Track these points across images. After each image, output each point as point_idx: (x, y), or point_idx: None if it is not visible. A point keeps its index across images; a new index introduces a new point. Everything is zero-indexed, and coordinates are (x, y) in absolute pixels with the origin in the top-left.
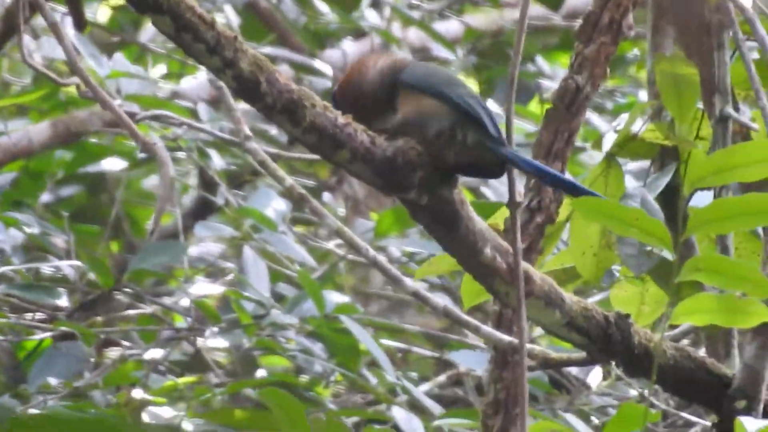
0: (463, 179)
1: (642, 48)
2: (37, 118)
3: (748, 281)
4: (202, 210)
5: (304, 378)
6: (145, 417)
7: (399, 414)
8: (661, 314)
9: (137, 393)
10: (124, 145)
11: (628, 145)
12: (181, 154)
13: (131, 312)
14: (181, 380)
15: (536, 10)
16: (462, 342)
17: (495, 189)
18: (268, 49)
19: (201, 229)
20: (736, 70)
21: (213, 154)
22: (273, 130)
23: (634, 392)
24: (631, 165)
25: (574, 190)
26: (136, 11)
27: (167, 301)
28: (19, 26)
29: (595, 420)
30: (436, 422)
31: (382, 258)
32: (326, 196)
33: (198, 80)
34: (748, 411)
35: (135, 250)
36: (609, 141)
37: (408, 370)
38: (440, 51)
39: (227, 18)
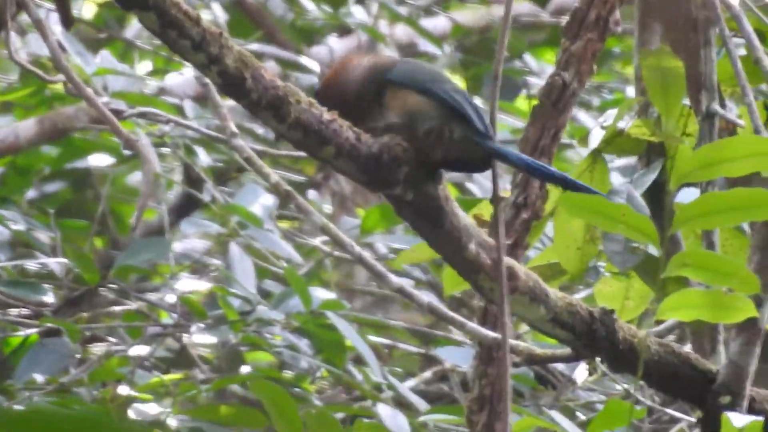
0: (448, 175)
1: (629, 44)
2: (23, 115)
3: (734, 277)
4: (187, 206)
5: (289, 374)
6: (131, 413)
7: (384, 410)
8: (645, 310)
9: (123, 389)
10: (111, 141)
11: (615, 141)
12: (166, 151)
13: (116, 308)
14: (167, 377)
15: (524, 6)
16: (447, 338)
17: (480, 184)
18: (255, 46)
19: (187, 225)
20: (723, 67)
21: (199, 150)
22: (260, 128)
23: (619, 388)
24: (618, 161)
25: (565, 183)
26: (121, 8)
27: (153, 297)
28: (5, 23)
29: (581, 416)
30: (422, 418)
31: (367, 254)
32: (312, 192)
33: (184, 77)
34: (733, 407)
35: (119, 247)
36: (595, 137)
37: (393, 366)
38: (427, 47)
39: (214, 14)
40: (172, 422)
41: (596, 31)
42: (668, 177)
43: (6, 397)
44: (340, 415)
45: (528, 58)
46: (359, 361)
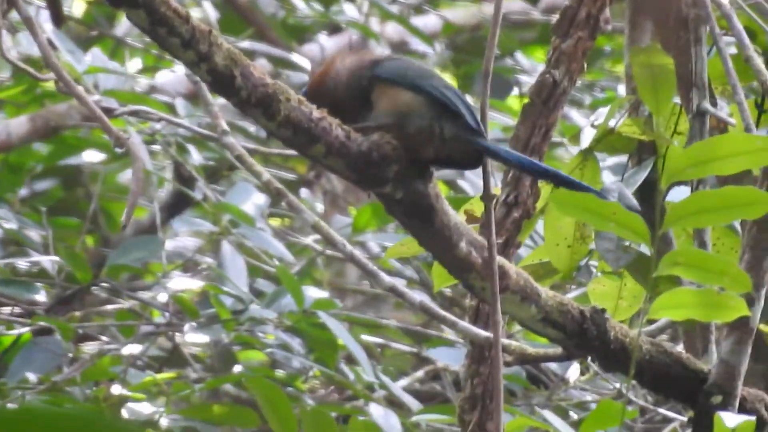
0: (440, 172)
1: (620, 43)
2: (14, 113)
3: (726, 275)
4: (178, 204)
5: (281, 373)
6: (124, 413)
7: (376, 410)
8: (638, 309)
9: (116, 389)
10: (102, 138)
11: (606, 139)
12: (157, 149)
13: (109, 307)
14: (160, 376)
15: (515, 5)
16: (440, 337)
17: (472, 182)
18: (247, 44)
19: (179, 223)
20: (714, 65)
21: (191, 149)
22: (252, 126)
23: (612, 388)
24: (609, 160)
25: (557, 179)
26: (111, 5)
27: (144, 295)
28: None
29: (573, 416)
30: (414, 418)
31: (359, 253)
32: (304, 191)
33: (176, 74)
34: (724, 406)
35: (110, 245)
36: (586, 136)
37: (386, 365)
38: (418, 45)
39: (206, 12)
40: (165, 422)
41: (586, 30)
42: (659, 175)
43: None
44: (332, 415)
45: (519, 56)
46: (351, 360)
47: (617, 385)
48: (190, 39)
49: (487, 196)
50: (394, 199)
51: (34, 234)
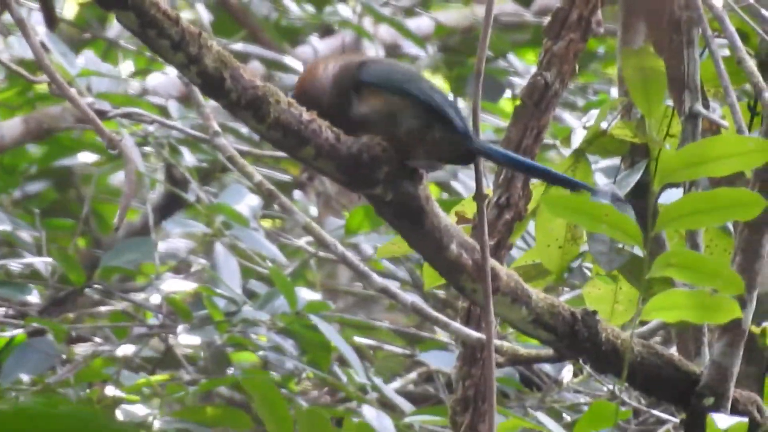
0: (432, 174)
1: (612, 45)
2: (5, 114)
3: (718, 277)
4: (170, 206)
5: (275, 375)
6: (118, 414)
7: (369, 412)
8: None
9: (109, 390)
10: (95, 140)
11: (598, 141)
12: (149, 150)
13: (102, 309)
14: (153, 378)
15: (508, 6)
16: (432, 339)
17: (465, 184)
18: (239, 46)
19: (171, 225)
20: (707, 67)
21: (183, 150)
22: (244, 128)
23: (606, 389)
24: (602, 162)
25: (548, 177)
26: (101, 7)
27: (137, 297)
28: None
29: (567, 418)
30: (406, 419)
31: (351, 255)
32: (297, 192)
33: (168, 77)
34: (716, 408)
35: (102, 246)
36: (578, 137)
37: (378, 367)
38: (411, 48)
39: (198, 14)
40: (158, 423)
41: (578, 32)
42: (651, 177)
43: None
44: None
45: (512, 58)
46: (344, 362)
47: (610, 387)
48: (180, 41)
49: (479, 197)
50: (384, 201)
51: (26, 235)
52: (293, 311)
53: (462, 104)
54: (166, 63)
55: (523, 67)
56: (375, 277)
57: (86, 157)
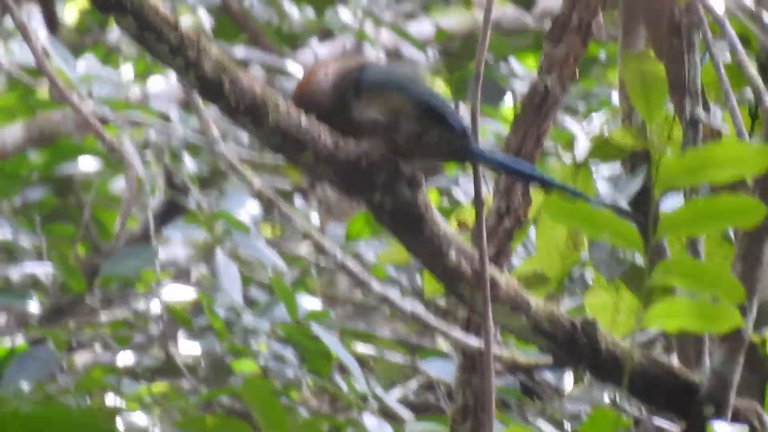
0: (434, 180)
1: (613, 50)
2: (5, 119)
3: (719, 285)
4: (170, 213)
5: (275, 383)
6: (119, 423)
7: (370, 421)
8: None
9: (109, 399)
10: (96, 146)
11: (600, 147)
12: (150, 156)
13: (102, 317)
14: (154, 386)
15: (509, 11)
16: (433, 348)
17: (465, 191)
18: (240, 51)
19: (172, 231)
20: (708, 72)
21: (183, 156)
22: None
23: (608, 399)
24: (602, 168)
25: (543, 183)
26: (99, 12)
27: (138, 305)
28: None
29: (567, 427)
30: (407, 428)
31: (352, 262)
32: (299, 200)
33: (169, 83)
34: (717, 417)
35: (101, 254)
36: (581, 146)
37: (379, 376)
38: (412, 52)
39: (200, 19)
40: None
41: (578, 36)
42: (652, 183)
43: None
44: (325, 426)
45: (513, 62)
46: (345, 370)
47: (611, 396)
48: (179, 45)
49: (477, 203)
50: (383, 208)
51: (27, 242)
52: (293, 320)
53: (463, 109)
54: (165, 67)
55: (524, 71)
56: (374, 284)
57: (87, 163)
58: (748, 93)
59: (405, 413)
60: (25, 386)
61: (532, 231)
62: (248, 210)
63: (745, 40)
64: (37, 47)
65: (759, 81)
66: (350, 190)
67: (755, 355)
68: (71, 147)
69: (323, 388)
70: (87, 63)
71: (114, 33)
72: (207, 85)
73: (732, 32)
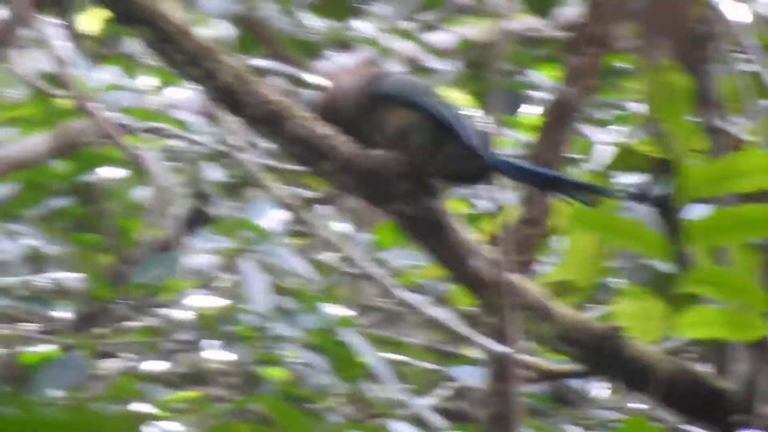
0: (457, 190)
1: (634, 60)
2: (28, 129)
3: (746, 293)
4: (195, 221)
5: (305, 390)
6: (149, 430)
7: (400, 428)
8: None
9: (139, 406)
10: (119, 155)
11: (623, 157)
12: (174, 165)
13: (132, 324)
14: (183, 394)
15: (531, 21)
16: (463, 355)
17: (491, 199)
18: (259, 62)
19: (198, 240)
20: (728, 82)
21: (209, 166)
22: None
23: (640, 407)
24: (628, 177)
25: (565, 185)
26: (118, 23)
27: (165, 313)
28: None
29: None
30: None
31: (379, 270)
32: (325, 208)
33: (192, 91)
34: (747, 425)
35: (126, 262)
36: (603, 155)
37: (409, 383)
38: (432, 62)
39: (221, 30)
40: None
41: (599, 46)
42: (678, 192)
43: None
44: None
45: (533, 72)
46: (375, 377)
47: (643, 405)
48: (196, 56)
49: (498, 210)
50: (405, 216)
51: (53, 250)
52: (322, 327)
53: (484, 118)
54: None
55: (543, 81)
56: (400, 291)
57: (110, 173)
58: None
59: (435, 420)
60: (55, 393)
61: (558, 239)
62: (275, 218)
63: None
64: (59, 58)
65: None
66: (370, 199)
67: None
68: (94, 156)
69: (354, 395)
70: (108, 73)
71: (135, 43)
72: (224, 94)
73: (752, 42)
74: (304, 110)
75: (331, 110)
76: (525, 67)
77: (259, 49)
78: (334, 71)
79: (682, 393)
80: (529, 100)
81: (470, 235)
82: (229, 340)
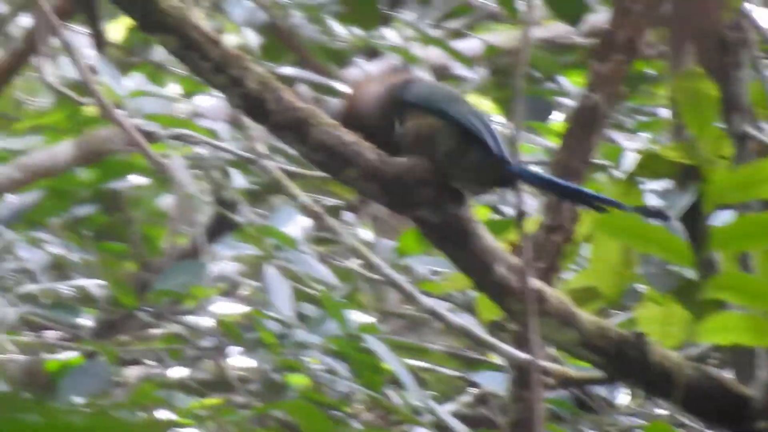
0: (482, 196)
1: (661, 67)
2: (54, 137)
3: None
4: (220, 228)
5: (328, 397)
6: None
7: None
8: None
9: (162, 413)
10: (145, 163)
11: (649, 163)
12: (199, 172)
13: (155, 331)
14: (206, 401)
15: (558, 28)
16: (486, 361)
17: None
18: (287, 70)
19: (222, 247)
20: (758, 89)
21: (233, 172)
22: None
23: (662, 413)
24: (654, 183)
25: (587, 199)
26: (143, 31)
27: (189, 320)
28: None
29: None
30: None
31: (402, 277)
32: (349, 215)
33: (217, 99)
34: None
35: (151, 269)
36: (629, 161)
37: (432, 389)
38: (460, 69)
39: (248, 38)
40: None
41: (626, 53)
42: (704, 199)
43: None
44: None
45: (562, 79)
46: (397, 384)
47: (666, 411)
48: (222, 63)
49: (520, 216)
50: (429, 223)
51: (78, 258)
52: (344, 333)
53: (509, 125)
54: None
55: (572, 88)
56: (422, 298)
57: (136, 181)
58: None
59: (458, 427)
60: (78, 400)
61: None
62: (299, 224)
63: None
64: (84, 66)
65: None
66: (395, 206)
67: None
68: (120, 164)
69: (376, 401)
70: (135, 80)
71: (161, 51)
72: (250, 102)
73: None
74: (331, 117)
75: (355, 117)
76: (555, 74)
77: (287, 57)
78: (358, 78)
79: (704, 399)
80: (561, 108)
81: (496, 242)
82: (252, 347)
